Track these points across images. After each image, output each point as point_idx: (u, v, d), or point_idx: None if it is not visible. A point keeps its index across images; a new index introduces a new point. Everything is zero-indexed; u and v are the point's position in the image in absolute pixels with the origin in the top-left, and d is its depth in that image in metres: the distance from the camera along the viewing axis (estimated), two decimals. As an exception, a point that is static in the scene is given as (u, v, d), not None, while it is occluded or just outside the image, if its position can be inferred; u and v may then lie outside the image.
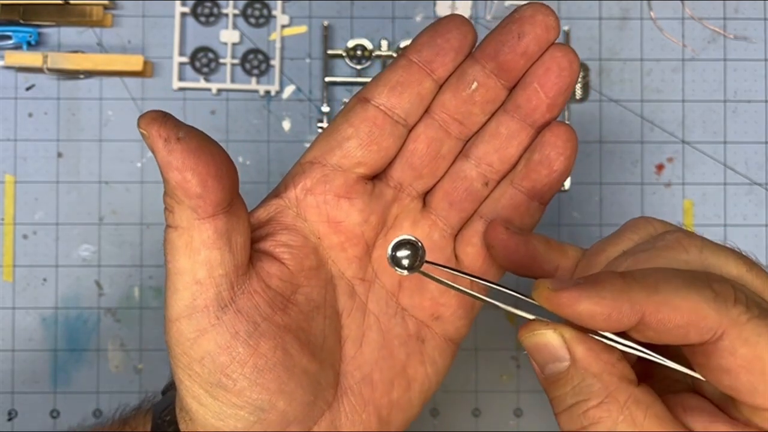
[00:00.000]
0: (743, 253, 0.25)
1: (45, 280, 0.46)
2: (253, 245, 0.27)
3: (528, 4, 0.28)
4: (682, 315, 0.22)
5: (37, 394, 0.45)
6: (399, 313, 0.30)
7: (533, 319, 0.24)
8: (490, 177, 0.30)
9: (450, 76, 0.29)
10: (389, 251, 0.25)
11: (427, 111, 0.30)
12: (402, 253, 0.25)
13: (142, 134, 0.25)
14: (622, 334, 0.24)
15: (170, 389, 0.32)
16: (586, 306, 0.22)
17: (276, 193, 0.30)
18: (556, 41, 0.28)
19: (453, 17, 0.29)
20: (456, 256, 0.31)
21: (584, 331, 0.24)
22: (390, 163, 0.30)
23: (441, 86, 0.29)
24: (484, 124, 0.30)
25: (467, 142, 0.30)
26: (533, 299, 0.24)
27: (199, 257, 0.25)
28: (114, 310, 0.46)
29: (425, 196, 0.31)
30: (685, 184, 0.47)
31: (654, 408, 0.23)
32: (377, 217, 0.30)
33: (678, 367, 0.24)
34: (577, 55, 0.29)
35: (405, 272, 0.25)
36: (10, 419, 0.45)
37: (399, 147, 0.29)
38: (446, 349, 0.31)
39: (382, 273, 0.30)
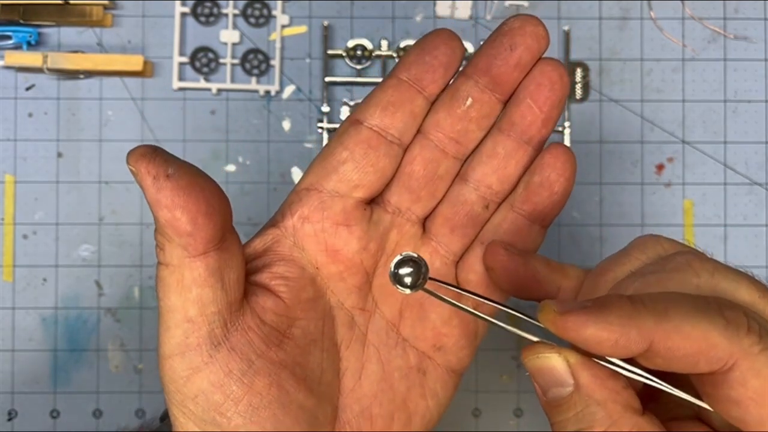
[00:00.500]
0: (756, 278, 0.24)
1: (45, 280, 0.46)
2: (248, 277, 0.27)
3: (515, 16, 0.28)
4: (692, 344, 0.21)
5: (37, 394, 0.45)
6: (400, 344, 0.30)
7: (537, 342, 0.24)
8: (490, 199, 0.30)
9: (441, 93, 0.29)
10: (391, 268, 0.24)
11: (421, 132, 0.29)
12: (404, 270, 0.24)
13: (131, 171, 0.24)
14: (629, 360, 0.23)
15: (168, 416, 0.32)
16: (593, 331, 0.21)
17: (272, 222, 0.29)
18: (544, 55, 0.28)
19: (440, 32, 0.28)
20: (458, 284, 0.30)
21: (589, 355, 0.23)
22: (387, 188, 0.29)
23: (433, 103, 0.29)
24: (480, 144, 0.29)
25: (464, 161, 0.30)
26: (538, 321, 0.23)
27: (190, 295, 0.25)
28: (114, 310, 0.46)
29: (425, 222, 0.30)
30: (685, 184, 0.47)
31: None
32: (376, 245, 0.29)
33: (685, 396, 0.24)
34: (565, 67, 0.28)
35: (408, 291, 0.24)
36: (10, 419, 0.45)
37: (395, 168, 0.29)
38: (448, 381, 0.30)
39: (382, 303, 0.30)
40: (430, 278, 0.24)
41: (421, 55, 0.28)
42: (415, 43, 0.29)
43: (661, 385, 0.23)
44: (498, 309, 0.26)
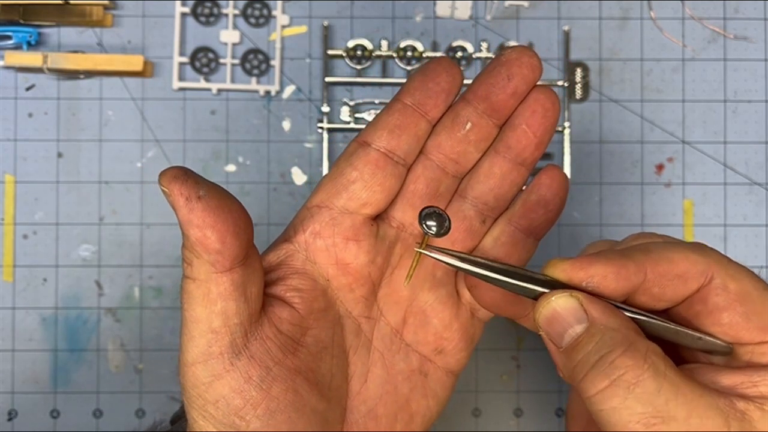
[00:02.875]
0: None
1: (45, 280, 0.46)
2: (264, 290, 0.28)
3: (512, 47, 0.30)
4: (677, 264, 0.26)
5: (37, 394, 0.45)
6: (403, 348, 0.32)
7: (547, 292, 0.26)
8: (487, 214, 0.32)
9: (443, 116, 0.31)
10: (420, 218, 0.28)
11: (424, 152, 0.31)
12: (430, 222, 0.28)
13: (163, 191, 0.25)
14: (629, 305, 0.26)
15: (179, 419, 0.33)
16: (598, 267, 0.25)
17: (285, 237, 0.30)
18: (538, 83, 0.31)
19: (441, 61, 0.30)
20: (457, 291, 0.32)
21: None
22: (392, 205, 0.31)
23: (434, 126, 0.31)
24: (478, 163, 0.32)
25: (462, 179, 0.32)
26: (546, 274, 0.26)
27: (215, 308, 0.26)
28: (114, 310, 0.46)
29: None
30: (685, 184, 0.47)
31: (668, 359, 0.24)
32: (382, 258, 0.31)
33: (678, 327, 0.26)
34: (557, 95, 0.31)
35: (433, 234, 0.28)
36: (10, 419, 0.45)
37: (400, 186, 0.31)
38: (447, 382, 0.33)
39: (387, 311, 0.32)
40: (435, 247, 0.28)
41: (424, 82, 0.30)
42: (417, 70, 0.31)
43: (656, 318, 0.26)
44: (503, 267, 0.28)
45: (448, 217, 0.28)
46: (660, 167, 0.47)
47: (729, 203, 0.47)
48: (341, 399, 0.30)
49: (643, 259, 0.25)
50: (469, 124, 0.30)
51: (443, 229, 0.28)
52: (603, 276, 0.25)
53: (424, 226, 0.28)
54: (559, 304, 0.25)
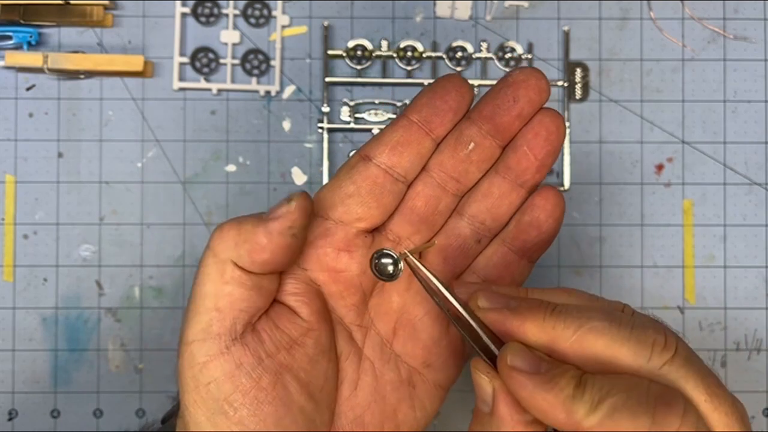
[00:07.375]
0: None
1: (45, 280, 0.46)
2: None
3: (520, 68, 0.30)
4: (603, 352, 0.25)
5: (38, 394, 0.45)
6: (393, 359, 0.32)
7: (483, 359, 0.27)
8: (483, 234, 0.32)
9: (447, 135, 0.31)
10: (372, 264, 0.28)
11: (425, 169, 0.31)
12: (385, 261, 0.29)
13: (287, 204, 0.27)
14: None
15: (170, 418, 0.34)
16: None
17: None
18: (544, 105, 0.30)
19: (451, 78, 0.30)
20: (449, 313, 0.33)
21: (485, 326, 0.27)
22: (390, 218, 0.31)
23: (438, 144, 0.31)
24: (477, 183, 0.31)
25: (462, 197, 0.32)
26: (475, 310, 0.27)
27: (226, 288, 0.27)
28: (114, 310, 0.46)
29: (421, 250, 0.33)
30: (685, 184, 0.47)
31: None
32: None
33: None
34: (563, 118, 0.30)
35: (388, 279, 0.29)
36: (10, 419, 0.45)
37: (398, 202, 0.31)
38: (436, 395, 0.33)
39: (378, 320, 0.32)
40: (408, 253, 0.28)
41: (432, 99, 0.30)
42: (426, 86, 0.30)
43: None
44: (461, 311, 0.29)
45: (399, 260, 0.29)
46: (660, 167, 0.47)
47: (729, 203, 0.47)
48: (330, 403, 0.30)
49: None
50: (472, 144, 0.30)
51: (396, 272, 0.29)
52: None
53: (375, 270, 0.29)
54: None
